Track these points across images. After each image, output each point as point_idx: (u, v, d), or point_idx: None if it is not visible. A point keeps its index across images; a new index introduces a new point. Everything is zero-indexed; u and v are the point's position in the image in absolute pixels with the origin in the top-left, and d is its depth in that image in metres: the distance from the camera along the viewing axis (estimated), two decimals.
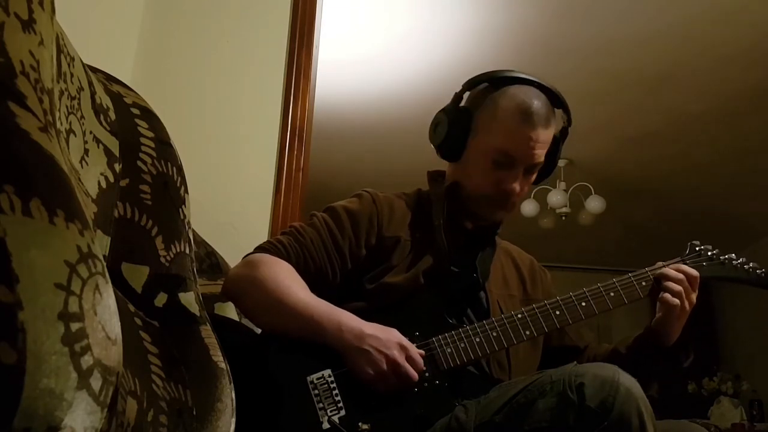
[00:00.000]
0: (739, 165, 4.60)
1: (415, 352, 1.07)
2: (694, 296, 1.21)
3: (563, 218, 4.65)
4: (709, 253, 1.30)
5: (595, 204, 4.62)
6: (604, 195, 4.63)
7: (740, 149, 4.39)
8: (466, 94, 1.30)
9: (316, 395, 1.04)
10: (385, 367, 1.04)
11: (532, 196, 4.67)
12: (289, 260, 1.20)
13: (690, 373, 5.53)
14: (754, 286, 1.33)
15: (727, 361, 6.11)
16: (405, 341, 1.07)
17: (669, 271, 1.22)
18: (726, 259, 1.30)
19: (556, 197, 4.53)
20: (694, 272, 1.22)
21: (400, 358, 1.05)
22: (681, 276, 1.20)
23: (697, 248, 1.30)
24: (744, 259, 1.31)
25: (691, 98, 3.86)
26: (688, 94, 3.81)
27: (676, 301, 1.19)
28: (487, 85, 1.28)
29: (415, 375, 1.06)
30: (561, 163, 4.59)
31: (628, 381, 0.89)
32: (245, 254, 1.25)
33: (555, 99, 1.27)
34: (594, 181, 4.67)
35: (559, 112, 1.30)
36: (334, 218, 1.26)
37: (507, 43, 3.41)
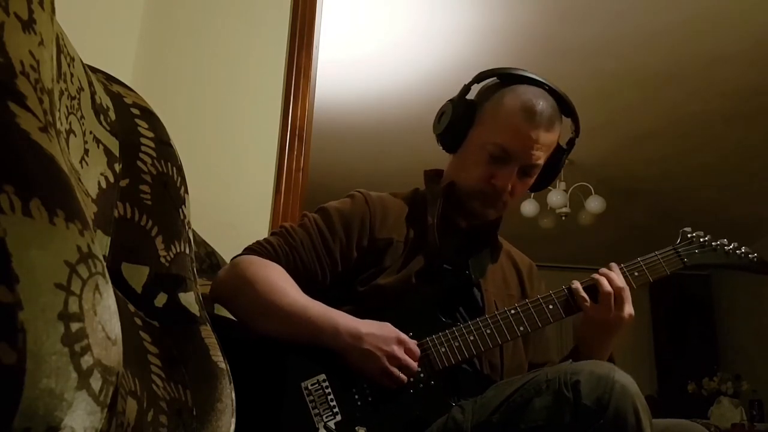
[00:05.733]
0: (738, 165, 4.60)
1: (412, 343, 1.08)
2: (614, 309, 1.15)
3: (563, 218, 4.65)
4: (701, 240, 1.28)
5: (595, 204, 4.62)
6: (604, 195, 4.63)
7: (740, 149, 4.39)
8: (475, 87, 1.29)
9: (311, 401, 1.04)
10: (387, 363, 1.05)
11: (531, 196, 4.67)
12: (278, 261, 1.18)
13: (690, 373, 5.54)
14: (747, 271, 1.32)
15: (727, 361, 6.12)
16: (401, 335, 1.08)
17: (600, 279, 1.17)
18: (718, 245, 1.29)
19: (556, 197, 4.53)
20: (620, 283, 1.18)
21: (400, 353, 1.06)
22: (609, 288, 1.16)
23: (689, 235, 1.29)
24: (736, 244, 1.30)
25: (691, 98, 3.86)
26: (688, 94, 3.81)
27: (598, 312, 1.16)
28: (497, 80, 1.27)
29: (415, 366, 1.07)
30: None
31: (623, 378, 0.89)
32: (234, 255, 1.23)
33: (565, 107, 1.26)
34: (594, 181, 4.67)
35: (567, 122, 1.29)
36: (325, 219, 1.24)
37: (507, 43, 3.41)
